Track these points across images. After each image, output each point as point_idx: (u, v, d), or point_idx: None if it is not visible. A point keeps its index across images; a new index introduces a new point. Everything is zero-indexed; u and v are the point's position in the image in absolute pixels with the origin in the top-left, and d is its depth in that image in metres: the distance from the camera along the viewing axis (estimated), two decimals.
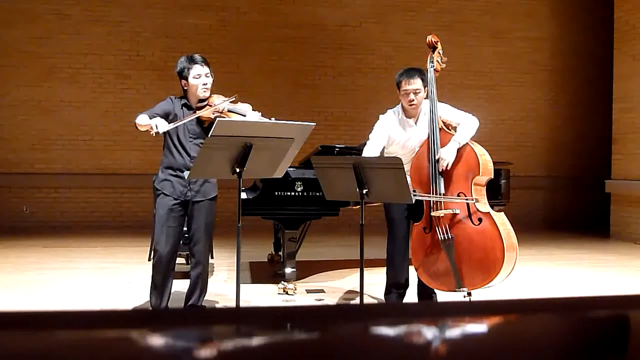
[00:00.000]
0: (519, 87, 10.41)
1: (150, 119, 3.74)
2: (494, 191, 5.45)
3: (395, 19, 9.97)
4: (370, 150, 4.05)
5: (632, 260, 7.14)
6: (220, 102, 3.93)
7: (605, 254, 7.57)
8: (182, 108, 3.96)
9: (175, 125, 3.79)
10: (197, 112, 3.92)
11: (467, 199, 3.87)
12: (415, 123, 4.13)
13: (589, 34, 10.45)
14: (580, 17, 10.53)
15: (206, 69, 3.93)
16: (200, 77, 3.91)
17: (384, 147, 4.19)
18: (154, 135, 3.68)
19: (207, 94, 3.96)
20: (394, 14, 9.98)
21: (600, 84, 9.97)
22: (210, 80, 3.95)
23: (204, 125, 3.92)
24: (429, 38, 4.20)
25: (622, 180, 8.78)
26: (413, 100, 4.04)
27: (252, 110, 4.00)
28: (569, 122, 10.53)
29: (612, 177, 9.03)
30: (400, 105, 4.15)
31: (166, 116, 3.90)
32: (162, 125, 3.67)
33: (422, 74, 4.08)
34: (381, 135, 4.12)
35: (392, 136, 4.13)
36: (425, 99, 4.12)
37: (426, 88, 4.08)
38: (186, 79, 3.92)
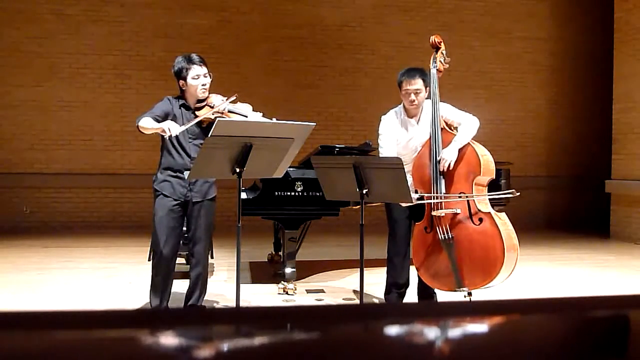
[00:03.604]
0: (519, 87, 10.42)
1: (158, 122, 3.73)
2: (494, 191, 5.44)
3: (395, 19, 9.97)
4: (387, 154, 4.05)
5: (632, 260, 7.14)
6: (219, 102, 3.91)
7: (605, 254, 7.57)
8: (180, 108, 3.94)
9: (187, 127, 3.76)
10: (197, 112, 3.91)
11: (467, 196, 3.87)
12: (417, 122, 4.14)
13: (589, 34, 10.45)
14: (580, 17, 10.54)
15: (204, 69, 3.92)
16: (199, 78, 3.89)
17: None
18: (168, 138, 3.67)
19: (206, 94, 3.95)
20: (394, 14, 9.98)
21: (600, 84, 9.97)
22: (208, 80, 3.94)
23: (203, 126, 3.91)
24: (432, 38, 4.20)
25: (622, 180, 8.78)
26: (414, 100, 4.05)
27: (253, 110, 3.99)
28: (569, 122, 10.53)
29: (612, 177, 9.03)
30: (402, 105, 4.16)
31: (165, 117, 3.88)
32: (175, 128, 3.63)
33: (423, 74, 4.08)
34: (391, 137, 4.12)
35: (396, 136, 4.14)
36: (427, 98, 4.12)
37: (427, 88, 4.09)
38: (185, 79, 3.90)
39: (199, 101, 3.95)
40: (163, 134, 3.63)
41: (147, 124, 3.70)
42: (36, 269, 6.05)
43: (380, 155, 4.10)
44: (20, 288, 5.22)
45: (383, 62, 9.74)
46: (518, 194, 3.86)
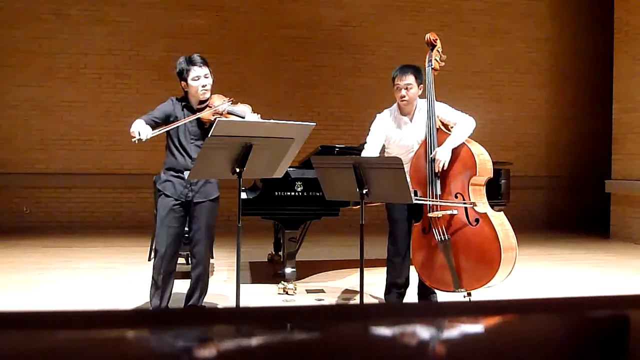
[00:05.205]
0: (519, 87, 10.42)
1: (147, 123, 3.73)
2: (494, 191, 5.45)
3: (395, 19, 9.97)
4: (368, 153, 4.05)
5: (632, 260, 7.14)
6: (220, 103, 3.92)
7: (605, 254, 7.57)
8: (183, 110, 3.95)
9: (160, 131, 3.76)
10: (199, 113, 3.91)
11: (464, 203, 3.86)
12: (411, 120, 4.14)
13: (589, 34, 10.45)
14: (580, 17, 10.54)
15: (205, 70, 3.91)
16: (199, 79, 3.88)
17: (383, 146, 4.20)
18: (137, 142, 3.65)
19: (208, 94, 3.94)
20: (394, 14, 9.98)
21: (600, 84, 9.97)
22: (209, 81, 3.93)
23: (205, 127, 3.91)
24: (428, 36, 4.20)
25: (622, 180, 8.78)
26: (404, 96, 4.04)
27: (252, 112, 3.99)
28: (569, 122, 10.53)
29: (612, 177, 9.03)
30: (396, 103, 4.17)
31: (167, 118, 3.89)
32: (145, 133, 3.62)
33: (416, 70, 4.09)
34: (378, 135, 4.12)
35: (388, 134, 4.14)
36: (422, 98, 4.12)
37: (421, 85, 4.09)
38: (185, 80, 3.90)
39: (201, 102, 3.95)
40: (133, 137, 3.62)
41: (132, 126, 3.70)
42: (36, 269, 6.05)
43: (363, 152, 4.11)
44: (20, 288, 5.22)
45: (383, 62, 9.73)
46: (472, 204, 3.84)
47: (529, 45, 10.42)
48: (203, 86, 3.89)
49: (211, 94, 3.97)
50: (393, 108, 4.20)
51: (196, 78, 3.88)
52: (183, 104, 3.97)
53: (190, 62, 3.89)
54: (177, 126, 3.84)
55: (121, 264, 6.39)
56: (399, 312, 1.05)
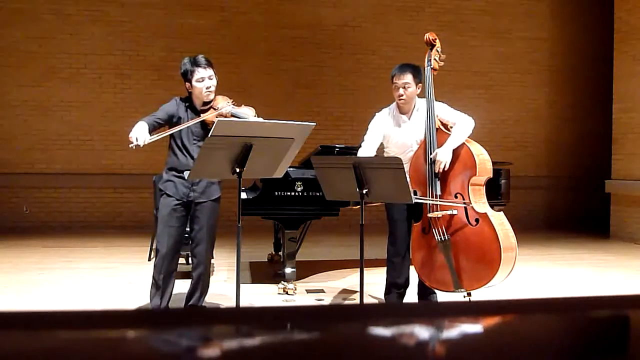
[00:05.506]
0: (519, 87, 10.42)
1: (149, 125, 3.73)
2: (494, 191, 5.45)
3: (395, 19, 9.97)
4: (365, 151, 4.05)
5: (632, 260, 7.14)
6: (224, 105, 3.92)
7: (605, 254, 7.57)
8: (186, 110, 3.95)
9: (160, 136, 3.74)
10: (202, 114, 3.91)
11: (464, 203, 3.86)
12: (409, 119, 4.14)
13: (589, 34, 10.45)
14: (580, 17, 10.54)
15: (209, 72, 3.90)
16: (203, 81, 3.88)
17: (382, 146, 4.21)
18: (134, 147, 3.63)
19: (212, 96, 3.94)
20: (394, 14, 9.98)
21: (600, 84, 9.97)
22: (213, 82, 3.92)
23: (208, 128, 3.90)
24: (427, 36, 4.21)
25: (622, 180, 8.78)
26: (402, 95, 4.05)
27: (255, 115, 3.99)
28: (569, 122, 10.53)
29: (612, 177, 9.03)
30: (395, 102, 4.17)
31: (170, 119, 3.89)
32: (143, 138, 3.60)
33: (415, 70, 4.09)
34: (376, 134, 4.12)
35: (387, 133, 4.14)
36: (421, 97, 4.12)
37: (419, 85, 4.09)
38: (190, 82, 3.90)
39: (205, 103, 3.94)
40: (131, 142, 3.61)
41: (132, 130, 3.70)
42: (36, 269, 6.05)
43: (359, 151, 4.11)
44: (20, 288, 5.22)
45: (383, 62, 9.72)
46: (464, 204, 3.84)
47: (529, 45, 10.42)
48: (207, 88, 3.89)
49: (215, 96, 3.97)
50: (392, 107, 4.21)
51: (200, 80, 3.88)
52: (187, 104, 3.97)
53: (195, 63, 3.89)
54: (160, 137, 3.81)
55: (121, 264, 6.38)
56: (399, 312, 1.05)
